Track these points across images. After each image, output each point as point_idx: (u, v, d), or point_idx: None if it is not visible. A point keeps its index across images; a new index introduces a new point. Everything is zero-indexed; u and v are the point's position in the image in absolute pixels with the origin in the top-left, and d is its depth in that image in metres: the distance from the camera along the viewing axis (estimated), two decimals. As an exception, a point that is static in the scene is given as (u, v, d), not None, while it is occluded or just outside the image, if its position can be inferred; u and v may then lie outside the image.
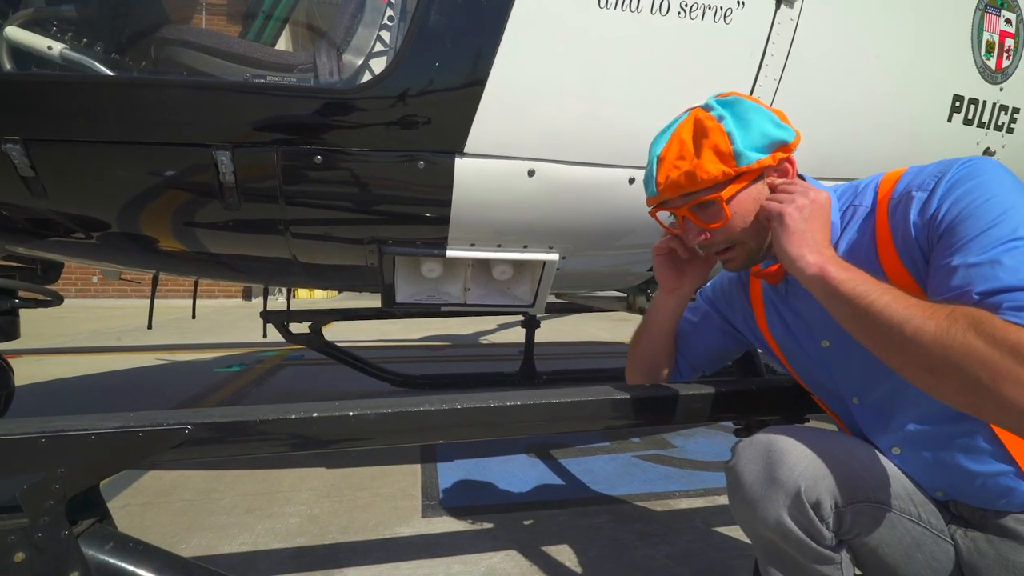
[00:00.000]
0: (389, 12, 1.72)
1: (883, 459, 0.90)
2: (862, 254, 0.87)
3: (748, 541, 1.04)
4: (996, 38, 1.79)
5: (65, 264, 2.00)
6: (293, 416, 0.99)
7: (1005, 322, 0.62)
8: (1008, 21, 1.80)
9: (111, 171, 1.32)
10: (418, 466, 2.29)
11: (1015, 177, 0.77)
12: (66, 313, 8.01)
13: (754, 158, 0.87)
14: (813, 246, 0.81)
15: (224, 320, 8.10)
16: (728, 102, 0.91)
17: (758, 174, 0.90)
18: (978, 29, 1.75)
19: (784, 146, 0.89)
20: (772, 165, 0.89)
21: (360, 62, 1.50)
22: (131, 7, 1.70)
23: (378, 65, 1.54)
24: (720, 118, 0.88)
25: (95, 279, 11.06)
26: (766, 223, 0.88)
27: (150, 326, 2.15)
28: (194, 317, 2.60)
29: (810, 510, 0.81)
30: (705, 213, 0.92)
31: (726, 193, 0.88)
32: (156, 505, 1.91)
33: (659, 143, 0.95)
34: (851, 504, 0.83)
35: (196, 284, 2.95)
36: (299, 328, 3.30)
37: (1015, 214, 0.70)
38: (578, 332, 6.47)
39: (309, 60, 1.56)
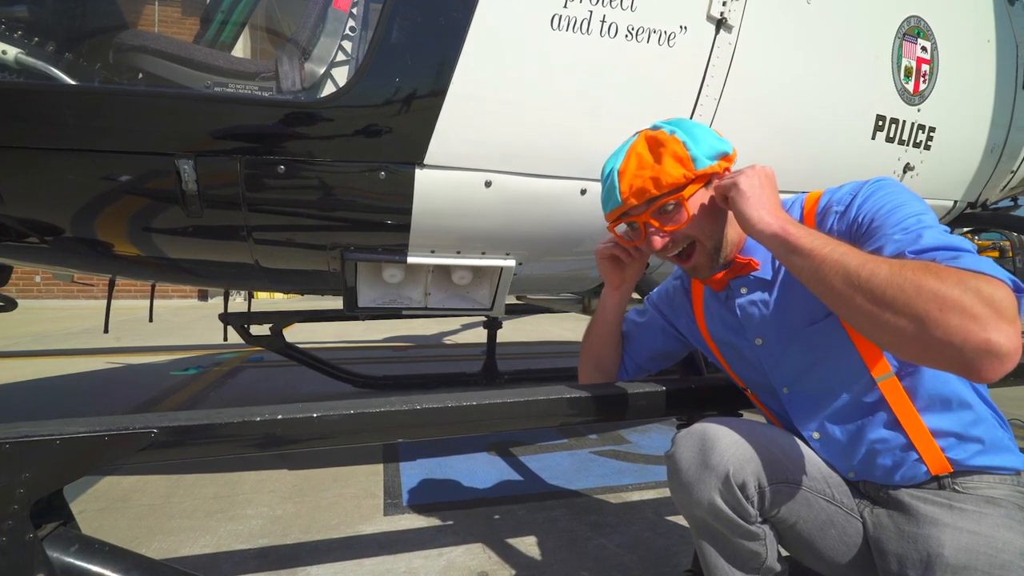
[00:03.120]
0: (351, 23, 1.77)
1: (802, 445, 1.02)
2: None
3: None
4: (913, 64, 1.97)
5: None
6: (258, 418, 1.04)
7: (947, 265, 0.72)
8: (924, 48, 1.98)
9: (70, 178, 1.33)
10: (381, 466, 2.34)
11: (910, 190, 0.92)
12: (4, 315, 7.65)
13: (707, 163, 0.97)
14: (770, 208, 0.89)
15: (180, 321, 7.88)
16: (673, 121, 1.03)
17: (708, 179, 1.00)
18: (897, 55, 1.91)
19: (726, 156, 1.01)
20: (719, 172, 0.99)
21: (322, 72, 1.55)
22: (90, 11, 1.69)
23: (340, 77, 1.59)
24: (672, 131, 0.99)
25: (38, 279, 10.56)
26: (721, 202, 0.97)
27: (106, 330, 2.12)
28: (151, 320, 2.56)
29: (737, 491, 0.91)
30: (665, 217, 1.00)
31: (687, 193, 0.97)
32: (114, 510, 1.90)
33: (614, 160, 1.03)
34: (772, 484, 0.94)
35: (153, 286, 2.90)
36: (260, 330, 3.29)
37: (919, 207, 0.86)
38: (540, 332, 6.59)
39: (271, 69, 1.60)
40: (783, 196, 1.08)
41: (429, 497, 2.04)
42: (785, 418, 1.08)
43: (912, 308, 0.69)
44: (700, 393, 1.33)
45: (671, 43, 1.56)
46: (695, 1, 1.57)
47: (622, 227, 1.09)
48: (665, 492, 2.07)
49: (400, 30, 1.34)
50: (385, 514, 1.89)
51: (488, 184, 1.49)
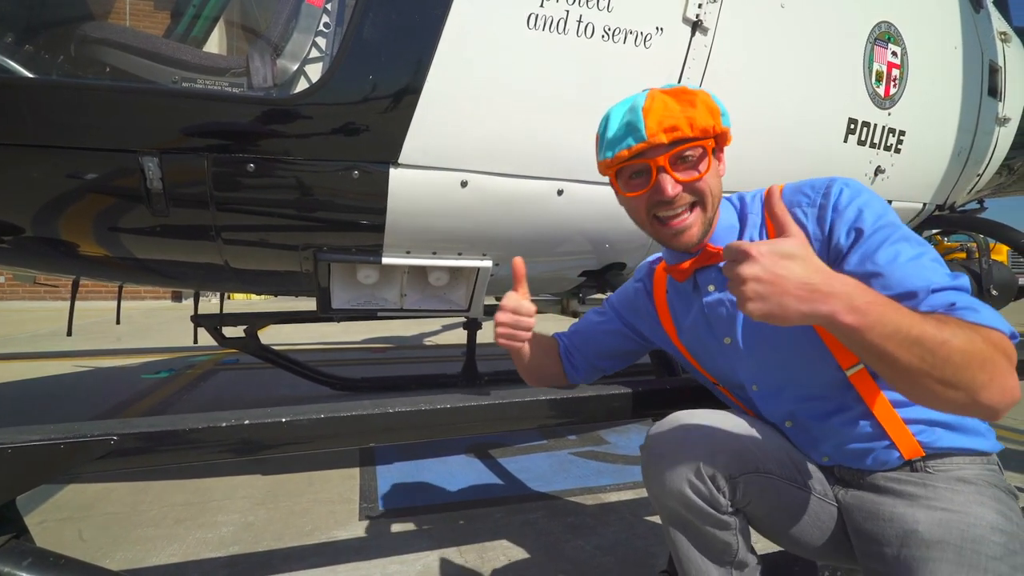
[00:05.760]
0: (325, 19, 1.74)
1: (774, 434, 1.02)
2: None
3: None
4: (884, 68, 2.00)
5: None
6: (224, 424, 1.01)
7: (987, 326, 0.72)
8: (894, 53, 2.02)
9: (28, 176, 1.28)
10: (357, 469, 2.30)
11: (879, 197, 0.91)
12: (-30, 317, 7.38)
13: (727, 123, 0.94)
14: (809, 292, 0.69)
15: (151, 323, 7.70)
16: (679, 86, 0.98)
17: (726, 142, 0.97)
18: (869, 60, 1.95)
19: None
20: (727, 141, 0.96)
21: (294, 69, 1.51)
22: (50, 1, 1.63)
23: (313, 73, 1.55)
24: (691, 87, 0.95)
25: (1, 279, 10.22)
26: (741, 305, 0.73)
27: (69, 332, 2.04)
28: (118, 323, 2.48)
29: (708, 482, 0.92)
30: (684, 165, 0.93)
31: (709, 144, 0.92)
32: (77, 520, 1.84)
33: (634, 100, 0.94)
34: (742, 475, 0.95)
35: (120, 286, 2.82)
36: (234, 332, 3.22)
37: (904, 231, 0.86)
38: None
39: (241, 65, 1.56)
40: (748, 192, 1.08)
41: (406, 501, 2.01)
42: (757, 411, 1.09)
43: (964, 381, 0.68)
44: (673, 393, 1.33)
45: (647, 44, 1.56)
46: (671, 3, 1.57)
47: (625, 175, 0.98)
48: (642, 492, 2.08)
49: (373, 27, 1.32)
50: (360, 519, 1.86)
51: (464, 184, 1.47)
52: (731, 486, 0.94)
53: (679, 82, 1.63)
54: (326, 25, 1.76)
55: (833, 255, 0.89)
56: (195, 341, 2.91)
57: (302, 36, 1.65)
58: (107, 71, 1.51)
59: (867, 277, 0.82)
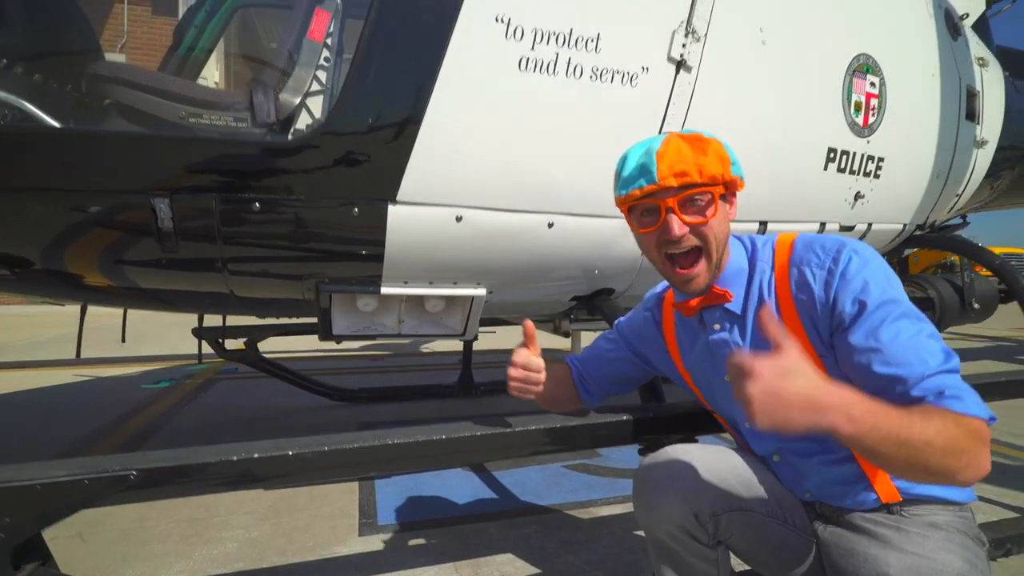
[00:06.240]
0: (325, 53, 1.81)
1: (761, 470, 1.10)
2: (764, 297, 1.04)
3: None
4: (863, 98, 2.09)
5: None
6: (235, 458, 1.08)
7: (968, 415, 0.80)
8: (872, 84, 2.10)
9: (45, 216, 1.35)
10: (356, 484, 2.37)
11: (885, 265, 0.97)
12: (-32, 324, 7.41)
13: (738, 172, 0.99)
14: (804, 408, 0.75)
15: (150, 329, 7.74)
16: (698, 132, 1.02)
17: (736, 189, 1.03)
18: (848, 91, 2.03)
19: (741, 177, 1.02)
20: (739, 187, 1.02)
21: (297, 107, 1.59)
22: (62, 38, 1.70)
23: (315, 110, 1.63)
24: (706, 135, 1.00)
25: None
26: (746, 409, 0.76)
27: (78, 355, 2.11)
28: (123, 340, 2.52)
29: (693, 518, 1.01)
30: (692, 208, 0.98)
31: (718, 191, 0.98)
32: (87, 537, 1.90)
33: (648, 144, 1.00)
34: (725, 512, 1.03)
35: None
36: (234, 343, 3.29)
37: (905, 307, 0.91)
38: (516, 339, 6.64)
39: (245, 101, 1.63)
40: (749, 227, 1.14)
41: (403, 516, 2.08)
42: (748, 444, 1.16)
43: (944, 469, 0.78)
44: (663, 421, 1.42)
45: (634, 83, 1.64)
46: (656, 43, 1.66)
47: (637, 212, 1.04)
48: (631, 507, 2.15)
49: (373, 72, 1.40)
50: (360, 534, 1.93)
51: (459, 219, 1.55)
52: (714, 522, 1.02)
53: (664, 118, 1.70)
54: (326, 60, 1.84)
55: (836, 322, 0.94)
56: (200, 361, 2.96)
57: (304, 72, 1.73)
58: (118, 110, 1.59)
59: (868, 352, 0.89)
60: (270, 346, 4.38)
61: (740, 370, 0.75)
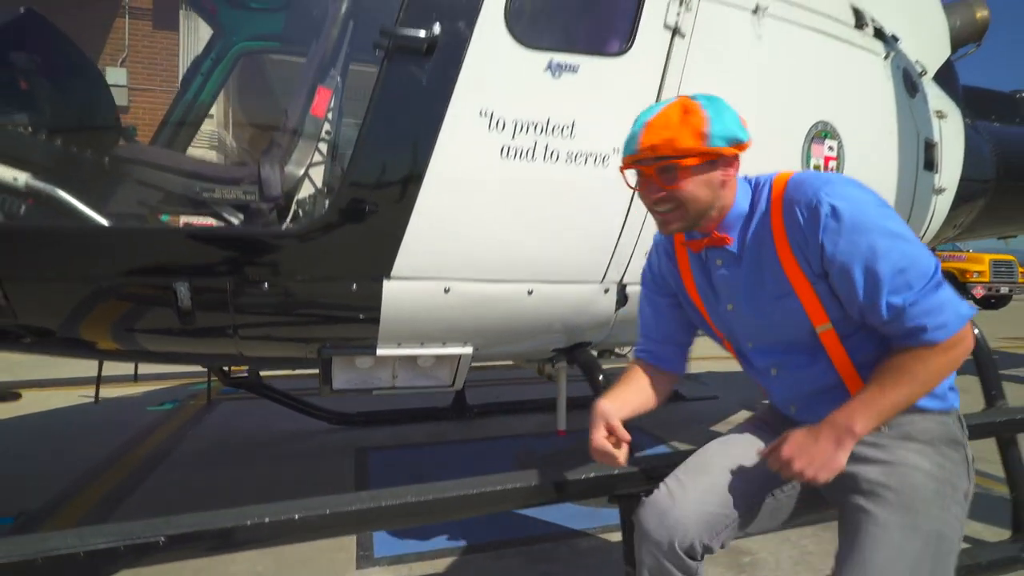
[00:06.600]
0: (327, 127, 1.98)
1: (745, 462, 1.25)
2: (764, 247, 1.16)
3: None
4: (822, 161, 2.26)
5: None
6: (249, 522, 1.25)
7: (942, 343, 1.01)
8: (831, 147, 2.28)
9: (76, 298, 1.51)
10: (354, 514, 2.53)
11: (872, 197, 1.09)
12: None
13: (718, 143, 1.09)
14: (828, 449, 1.05)
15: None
16: (709, 98, 1.15)
17: (715, 158, 1.12)
18: (807, 156, 2.21)
19: (739, 143, 1.13)
20: (727, 156, 1.12)
21: (302, 195, 1.76)
22: (92, 124, 1.87)
23: (321, 203, 1.80)
24: (704, 106, 1.11)
25: None
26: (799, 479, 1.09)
27: (96, 400, 2.27)
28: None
29: (682, 555, 1.17)
30: (665, 176, 1.12)
31: (687, 163, 1.10)
32: (105, 571, 2.06)
33: (650, 113, 1.14)
34: (712, 538, 1.20)
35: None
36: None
37: (880, 232, 1.04)
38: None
39: (254, 176, 1.80)
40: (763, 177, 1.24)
41: (398, 548, 2.25)
42: (751, 362, 1.32)
43: (941, 381, 1.08)
44: (637, 475, 1.58)
45: (606, 164, 1.81)
46: (625, 126, 1.81)
47: (631, 172, 1.21)
48: (610, 536, 2.33)
49: (370, 167, 1.57)
50: (358, 567, 2.10)
51: (447, 290, 1.72)
52: (703, 548, 1.19)
53: (633, 194, 1.86)
54: (327, 132, 2.01)
55: (824, 260, 1.07)
56: (208, 399, 3.09)
57: (307, 145, 1.90)
58: (139, 188, 1.76)
59: (853, 285, 1.05)
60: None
61: (780, 463, 1.07)
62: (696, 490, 1.23)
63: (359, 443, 3.55)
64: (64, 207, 1.51)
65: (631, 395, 1.36)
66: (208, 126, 2.66)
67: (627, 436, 1.25)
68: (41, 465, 3.13)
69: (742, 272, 1.22)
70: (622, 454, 1.23)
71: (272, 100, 2.91)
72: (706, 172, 1.13)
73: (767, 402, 1.42)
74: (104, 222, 1.51)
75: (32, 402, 4.59)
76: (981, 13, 3.58)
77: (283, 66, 3.44)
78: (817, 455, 1.04)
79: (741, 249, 1.21)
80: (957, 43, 3.59)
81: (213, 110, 2.82)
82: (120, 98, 9.82)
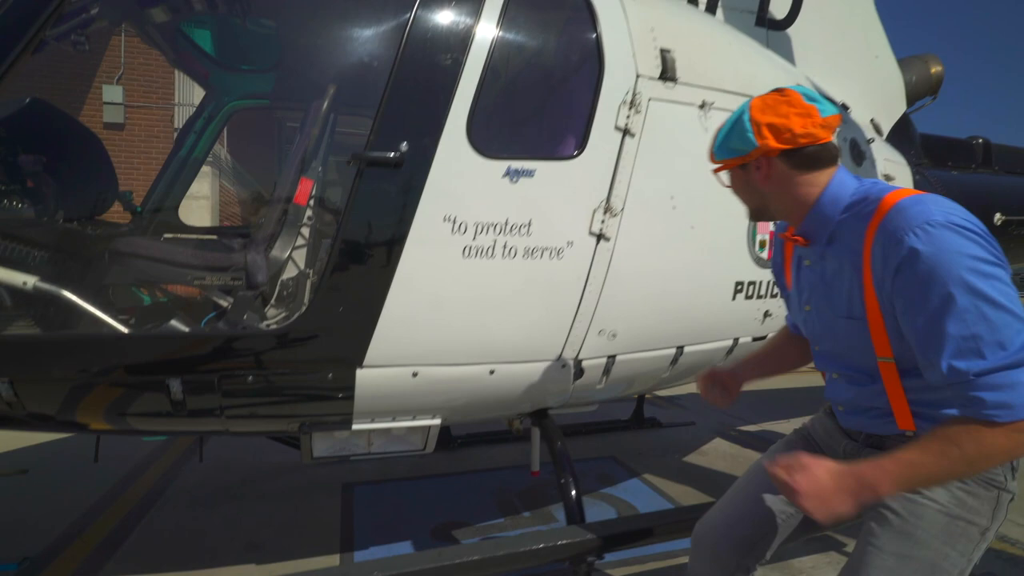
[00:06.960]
0: (308, 212, 2.16)
1: (785, 509, 1.38)
2: (853, 262, 1.16)
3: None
4: (767, 236, 2.45)
5: None
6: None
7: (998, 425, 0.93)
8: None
9: (78, 395, 1.70)
10: (338, 556, 2.72)
11: (972, 248, 0.99)
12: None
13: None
14: (839, 497, 1.01)
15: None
16: (738, 110, 1.25)
17: (728, 167, 1.30)
18: (752, 234, 2.40)
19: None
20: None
21: (283, 291, 1.94)
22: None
23: (300, 302, 1.98)
24: (724, 122, 1.29)
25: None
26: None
27: (96, 459, 2.44)
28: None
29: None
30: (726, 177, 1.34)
31: (717, 171, 1.34)
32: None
33: (728, 120, 1.29)
34: (757, 560, 1.41)
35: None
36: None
37: (956, 298, 0.96)
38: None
39: (240, 261, 1.98)
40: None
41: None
42: (816, 359, 1.41)
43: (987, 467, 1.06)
44: (626, 534, 1.79)
45: (560, 256, 1.99)
46: (579, 222, 2.01)
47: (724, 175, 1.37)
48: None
49: (344, 272, 1.76)
50: (338, 613, 2.28)
51: (415, 375, 1.90)
52: (749, 571, 1.40)
53: (586, 280, 2.05)
54: (309, 217, 2.19)
55: (895, 297, 1.07)
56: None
57: (288, 236, 2.09)
58: (135, 281, 1.94)
59: (915, 333, 1.04)
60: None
61: (786, 489, 1.04)
62: (740, 512, 1.41)
63: (345, 477, 3.73)
64: (70, 310, 1.69)
65: (759, 359, 1.65)
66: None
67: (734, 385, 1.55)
68: (44, 503, 3.29)
69: (825, 278, 1.24)
70: (724, 398, 1.54)
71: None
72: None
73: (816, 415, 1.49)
74: (107, 326, 1.69)
75: (24, 434, 4.73)
76: (935, 68, 3.77)
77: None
78: (829, 501, 1.00)
79: (825, 253, 1.23)
80: (914, 97, 3.79)
81: (209, 192, 2.99)
82: (116, 115, 9.98)
